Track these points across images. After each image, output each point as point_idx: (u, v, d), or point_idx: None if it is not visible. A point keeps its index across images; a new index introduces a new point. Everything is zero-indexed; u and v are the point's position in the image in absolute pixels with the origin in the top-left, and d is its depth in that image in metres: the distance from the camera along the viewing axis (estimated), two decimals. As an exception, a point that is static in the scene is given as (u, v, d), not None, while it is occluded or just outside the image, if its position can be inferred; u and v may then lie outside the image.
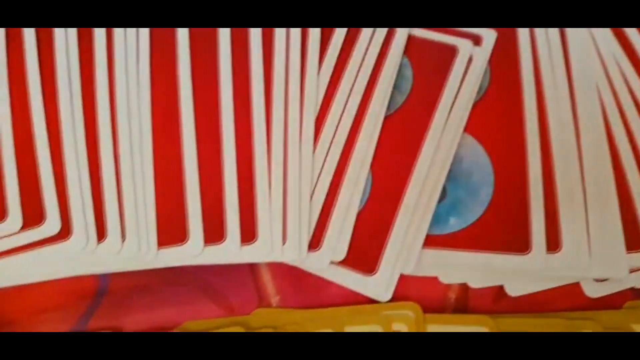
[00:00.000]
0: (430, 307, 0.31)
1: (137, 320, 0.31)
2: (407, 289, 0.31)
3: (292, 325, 0.30)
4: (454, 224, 0.31)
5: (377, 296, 0.30)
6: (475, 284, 0.31)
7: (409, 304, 0.30)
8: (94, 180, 0.31)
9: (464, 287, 0.31)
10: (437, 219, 0.31)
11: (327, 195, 0.31)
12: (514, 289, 0.31)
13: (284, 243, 0.31)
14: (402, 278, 0.31)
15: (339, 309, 0.30)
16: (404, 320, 0.30)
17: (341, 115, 0.32)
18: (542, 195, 0.31)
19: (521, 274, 0.31)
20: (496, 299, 0.31)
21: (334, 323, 0.30)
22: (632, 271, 0.31)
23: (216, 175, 0.31)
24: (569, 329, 0.30)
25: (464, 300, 0.31)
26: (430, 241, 0.31)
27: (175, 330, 0.30)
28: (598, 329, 0.30)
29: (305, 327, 0.30)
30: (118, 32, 0.32)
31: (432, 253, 0.31)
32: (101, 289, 0.31)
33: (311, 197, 0.31)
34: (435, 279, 0.31)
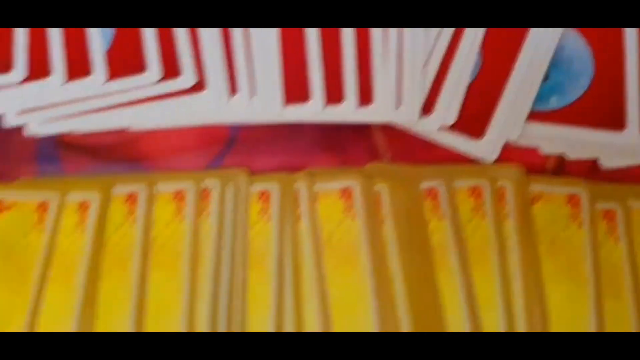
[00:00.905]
0: (530, 174, 0.33)
1: (266, 161, 0.34)
2: (509, 156, 0.34)
3: (404, 180, 0.33)
4: (555, 102, 0.34)
5: (484, 156, 0.33)
6: (572, 155, 0.34)
7: (514, 164, 0.33)
8: (227, 41, 0.34)
9: (561, 159, 0.34)
10: (539, 97, 0.34)
11: (440, 66, 0.34)
12: (609, 162, 0.34)
13: (398, 106, 0.33)
14: (505, 147, 0.33)
15: (448, 165, 0.33)
16: (509, 177, 0.32)
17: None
18: (638, 81, 0.34)
19: (616, 149, 0.33)
20: (591, 171, 0.34)
21: (444, 177, 0.32)
22: None
23: (336, 43, 0.34)
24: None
25: (561, 169, 0.34)
26: (533, 116, 0.34)
27: (297, 174, 0.33)
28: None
29: (416, 181, 0.32)
30: None
31: (534, 127, 0.34)
32: (232, 136, 0.34)
33: (425, 65, 0.34)
34: (535, 149, 0.34)
